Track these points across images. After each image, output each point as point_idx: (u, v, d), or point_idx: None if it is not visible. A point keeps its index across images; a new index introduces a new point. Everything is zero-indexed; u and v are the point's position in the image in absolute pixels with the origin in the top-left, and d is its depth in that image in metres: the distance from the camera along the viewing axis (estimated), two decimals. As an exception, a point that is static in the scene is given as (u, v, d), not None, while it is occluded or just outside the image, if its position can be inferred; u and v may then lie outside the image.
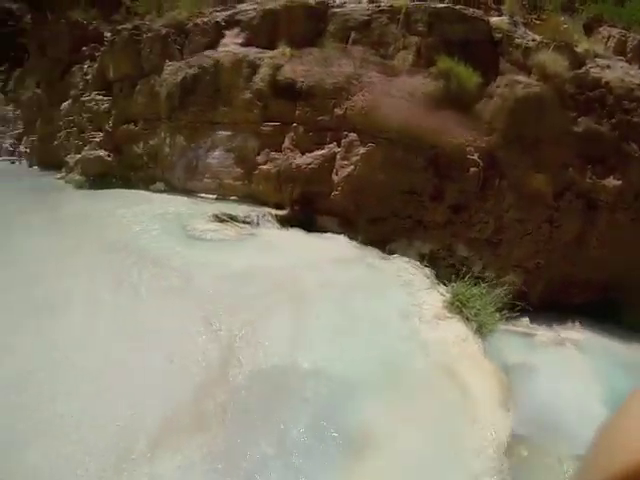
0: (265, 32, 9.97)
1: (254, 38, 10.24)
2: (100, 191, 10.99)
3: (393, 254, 6.96)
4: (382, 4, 8.94)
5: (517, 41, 8.27)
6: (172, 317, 4.27)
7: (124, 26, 13.00)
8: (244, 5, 11.34)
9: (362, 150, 7.87)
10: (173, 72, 10.59)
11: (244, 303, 4.47)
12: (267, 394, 3.49)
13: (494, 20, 8.71)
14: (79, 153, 14.10)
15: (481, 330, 5.03)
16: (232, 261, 5.35)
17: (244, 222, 7.08)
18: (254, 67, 9.20)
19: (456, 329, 4.75)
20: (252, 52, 9.56)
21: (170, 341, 3.98)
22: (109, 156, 11.54)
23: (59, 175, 15.25)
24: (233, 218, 7.10)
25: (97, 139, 12.78)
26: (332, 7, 9.32)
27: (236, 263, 5.28)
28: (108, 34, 17.86)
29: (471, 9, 8.61)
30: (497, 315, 5.35)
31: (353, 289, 5.10)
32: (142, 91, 11.32)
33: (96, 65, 15.59)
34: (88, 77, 16.54)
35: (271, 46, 9.48)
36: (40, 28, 23.25)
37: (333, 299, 4.84)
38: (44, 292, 5.03)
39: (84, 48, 18.26)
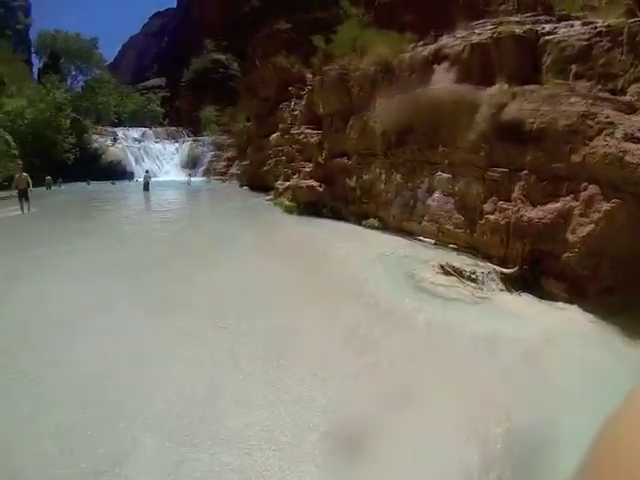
0: (477, 67, 9.57)
1: (466, 73, 9.94)
2: (310, 219, 11.92)
3: (623, 330, 5.91)
4: (598, 25, 7.78)
5: None
6: (421, 390, 3.83)
7: (332, 66, 14.02)
8: (447, 39, 11.27)
9: (605, 206, 6.84)
10: (386, 109, 10.94)
11: (497, 377, 4.14)
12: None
13: None
14: (288, 180, 15.67)
15: None
16: (473, 326, 4.98)
17: (469, 278, 6.61)
18: (474, 105, 8.77)
19: None
20: (469, 89, 9.17)
21: (425, 425, 3.39)
22: (320, 186, 12.44)
23: (267, 197, 17.25)
24: (458, 272, 6.70)
25: (307, 169, 14.00)
26: (543, 34, 8.49)
27: (478, 329, 4.90)
28: (309, 76, 19.87)
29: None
30: None
31: (604, 374, 4.38)
32: (355, 127, 11.94)
33: (303, 102, 17.35)
34: (296, 113, 18.60)
35: (485, 81, 8.98)
36: (247, 73, 27.43)
37: (585, 382, 4.24)
38: (267, 328, 4.94)
39: (290, 88, 20.73)
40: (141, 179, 34.93)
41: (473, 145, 8.43)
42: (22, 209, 15.72)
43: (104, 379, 3.89)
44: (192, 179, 37.38)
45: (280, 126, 19.82)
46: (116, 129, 44.09)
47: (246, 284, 6.46)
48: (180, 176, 39.31)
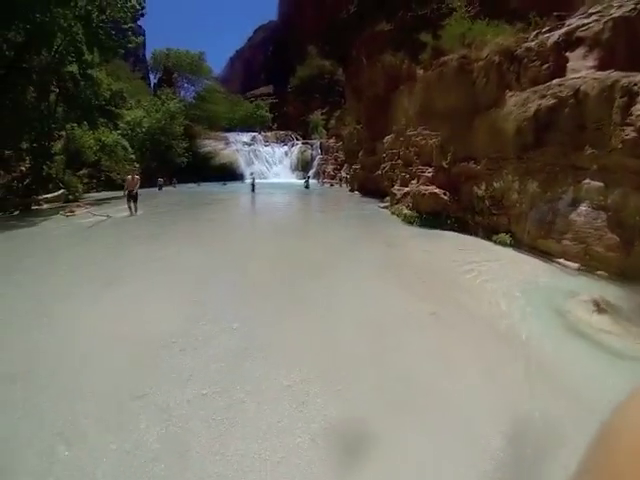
0: (623, 47, 8.46)
1: (609, 57, 8.79)
2: (433, 231, 11.39)
3: None
4: None
5: None
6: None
7: (451, 57, 13.29)
8: (577, 20, 10.00)
9: None
10: (520, 104, 10.03)
11: None
12: None
13: None
14: (405, 185, 15.36)
15: None
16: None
17: (627, 319, 5.43)
18: (631, 95, 7.55)
19: None
20: (618, 76, 7.96)
21: None
22: (445, 194, 11.89)
23: (383, 204, 17.08)
24: (615, 310, 5.63)
25: (427, 174, 13.57)
26: None
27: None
28: (420, 71, 19.21)
29: None
30: None
31: None
32: (482, 126, 11.23)
33: (418, 100, 16.79)
34: (410, 112, 18.11)
35: (637, 65, 7.84)
36: (352, 76, 27.44)
37: None
38: (396, 389, 3.92)
39: (401, 87, 20.25)
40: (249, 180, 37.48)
41: (632, 145, 7.29)
42: (130, 211, 16.03)
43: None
44: (303, 181, 38.80)
45: (394, 127, 19.53)
46: (227, 134, 48.08)
47: (367, 318, 5.54)
48: (290, 178, 41.09)
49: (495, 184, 10.37)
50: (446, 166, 12.20)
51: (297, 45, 56.25)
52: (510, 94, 10.71)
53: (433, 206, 12.09)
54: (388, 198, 17.21)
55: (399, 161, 17.58)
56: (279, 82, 61.86)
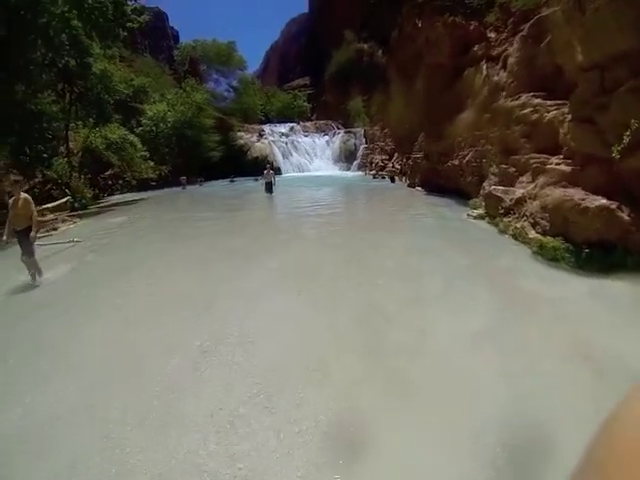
0: None
1: None
2: (610, 286, 5.75)
3: None
4: None
5: None
6: None
7: None
8: None
9: None
10: None
11: None
12: None
13: None
14: (510, 184, 9.82)
15: None
16: None
17: None
18: None
19: None
20: None
21: None
22: (620, 209, 6.20)
23: (473, 212, 11.22)
24: None
25: (556, 166, 7.98)
26: None
27: None
28: (492, 34, 14.15)
29: None
30: None
31: None
32: None
33: (514, 58, 11.03)
34: (495, 78, 12.19)
35: None
36: (397, 54, 21.88)
37: None
38: None
39: (475, 48, 14.28)
40: (292, 173, 31.82)
41: None
42: (31, 275, 7.62)
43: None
44: (348, 173, 33.39)
45: (468, 101, 13.73)
46: (263, 126, 43.81)
47: None
48: (333, 171, 35.99)
49: None
50: (618, 156, 6.42)
51: (331, 33, 50.80)
52: None
53: (602, 231, 6.38)
54: (477, 201, 11.58)
55: (488, 146, 11.81)
56: (315, 73, 58.06)
